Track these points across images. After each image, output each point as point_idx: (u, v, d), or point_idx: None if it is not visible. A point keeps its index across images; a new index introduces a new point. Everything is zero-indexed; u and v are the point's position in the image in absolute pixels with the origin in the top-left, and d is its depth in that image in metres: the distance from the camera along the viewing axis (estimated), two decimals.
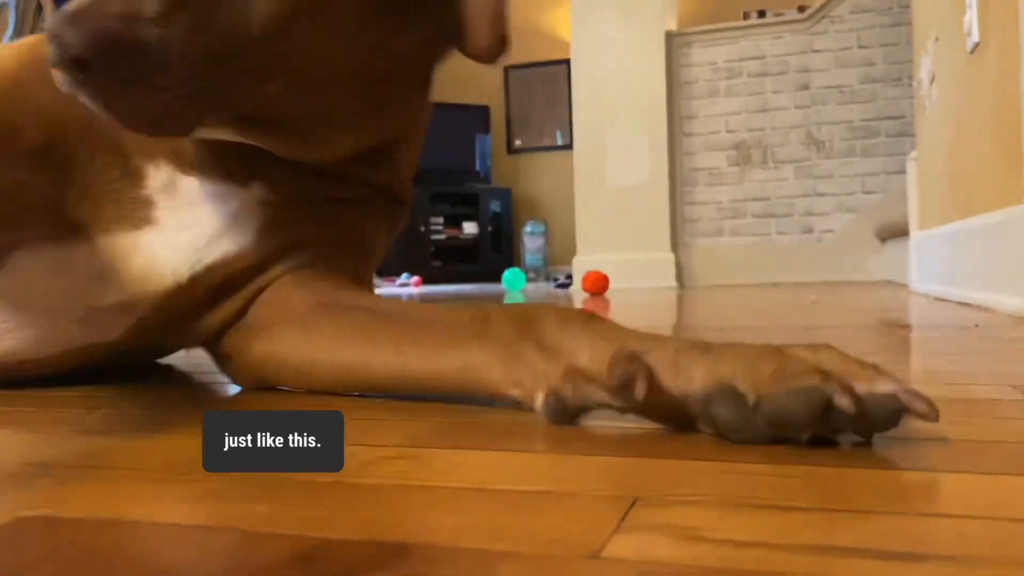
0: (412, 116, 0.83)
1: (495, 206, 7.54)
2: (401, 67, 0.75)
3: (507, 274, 4.59)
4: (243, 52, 0.61)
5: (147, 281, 0.75)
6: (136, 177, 0.75)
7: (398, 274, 6.24)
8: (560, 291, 4.95)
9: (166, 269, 0.75)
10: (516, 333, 0.59)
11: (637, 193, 4.34)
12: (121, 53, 0.54)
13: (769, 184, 4.32)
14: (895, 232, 3.46)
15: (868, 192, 4.18)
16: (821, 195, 4.25)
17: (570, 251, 4.82)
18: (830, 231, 4.23)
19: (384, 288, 5.43)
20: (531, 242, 9.99)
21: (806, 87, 4.24)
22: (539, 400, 0.56)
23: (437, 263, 6.94)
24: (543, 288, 4.95)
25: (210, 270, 0.75)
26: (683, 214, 4.40)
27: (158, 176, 0.76)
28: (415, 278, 6.15)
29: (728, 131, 4.37)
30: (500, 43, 0.69)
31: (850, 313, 1.87)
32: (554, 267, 10.09)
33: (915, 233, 2.87)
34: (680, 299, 2.96)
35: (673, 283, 4.27)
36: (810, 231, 4.26)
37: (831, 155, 4.21)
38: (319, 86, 0.69)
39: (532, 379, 0.57)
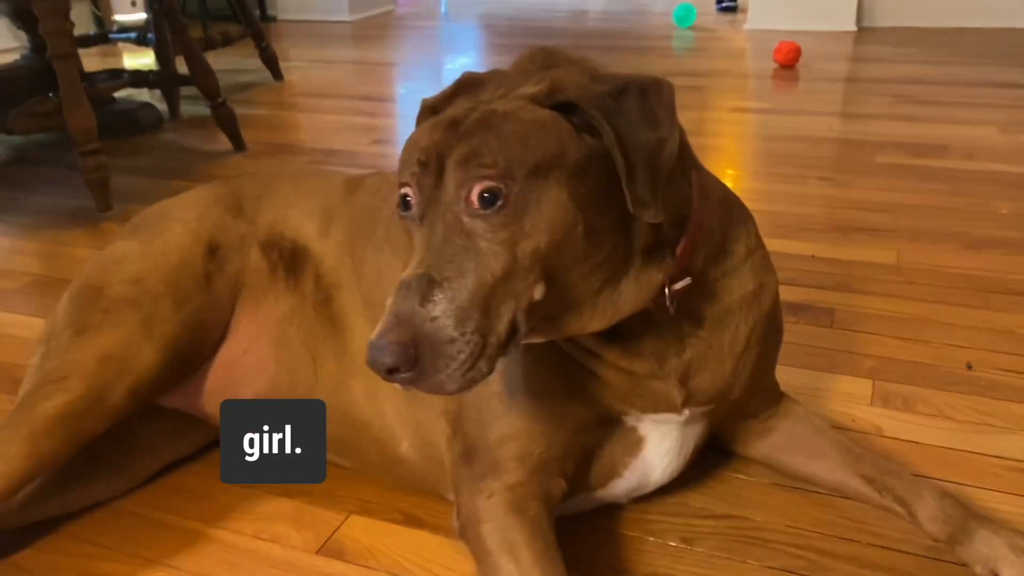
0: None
1: None
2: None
3: (678, 9, 4.54)
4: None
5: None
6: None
7: None
8: (725, 16, 4.85)
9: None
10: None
11: None
12: (414, 370, 0.67)
13: None
14: None
15: None
16: None
17: None
18: None
19: None
20: None
21: None
22: None
23: None
24: (709, 14, 4.83)
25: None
26: None
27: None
28: None
29: None
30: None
31: None
32: None
33: None
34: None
35: (852, 26, 4.20)
36: None
37: None
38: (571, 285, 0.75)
39: None
